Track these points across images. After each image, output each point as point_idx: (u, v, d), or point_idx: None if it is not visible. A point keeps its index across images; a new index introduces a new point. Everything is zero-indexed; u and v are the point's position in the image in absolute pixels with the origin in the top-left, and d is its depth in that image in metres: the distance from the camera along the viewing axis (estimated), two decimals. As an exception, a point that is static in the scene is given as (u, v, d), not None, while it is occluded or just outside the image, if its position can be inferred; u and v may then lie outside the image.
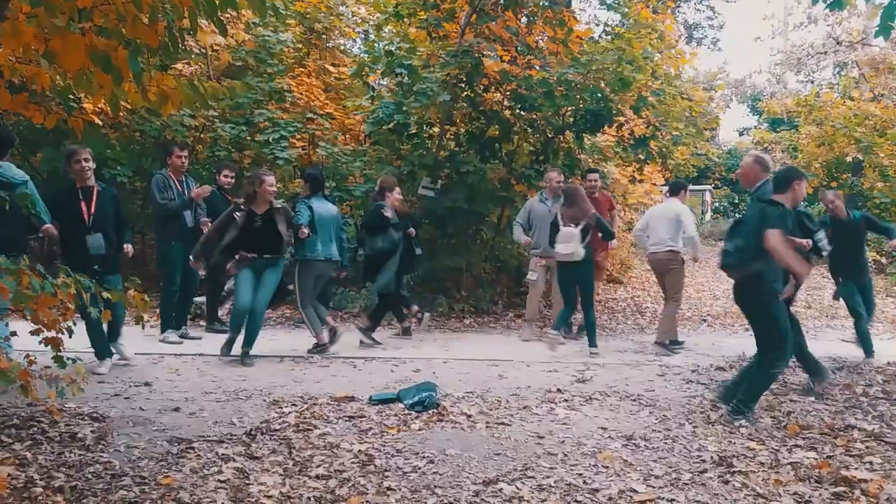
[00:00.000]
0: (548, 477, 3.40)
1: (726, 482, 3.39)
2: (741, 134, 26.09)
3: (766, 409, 4.71)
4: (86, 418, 4.07)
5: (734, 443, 3.98)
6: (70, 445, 3.59)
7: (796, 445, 3.94)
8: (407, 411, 4.47)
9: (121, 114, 7.94)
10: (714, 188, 24.58)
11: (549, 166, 8.40)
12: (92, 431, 3.79)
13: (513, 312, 9.10)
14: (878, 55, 16.95)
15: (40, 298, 3.18)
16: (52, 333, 3.43)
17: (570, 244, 6.39)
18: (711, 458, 3.71)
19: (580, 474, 3.45)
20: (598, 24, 15.05)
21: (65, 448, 3.55)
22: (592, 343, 6.63)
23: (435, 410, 4.47)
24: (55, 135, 7.93)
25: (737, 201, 23.96)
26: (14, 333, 3.56)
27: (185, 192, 6.60)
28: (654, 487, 3.31)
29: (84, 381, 3.91)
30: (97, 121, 7.85)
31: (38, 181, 9.27)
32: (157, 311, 6.77)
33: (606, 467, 3.55)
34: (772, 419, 4.48)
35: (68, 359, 3.57)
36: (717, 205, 25.23)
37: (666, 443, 3.97)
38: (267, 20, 9.54)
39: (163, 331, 6.58)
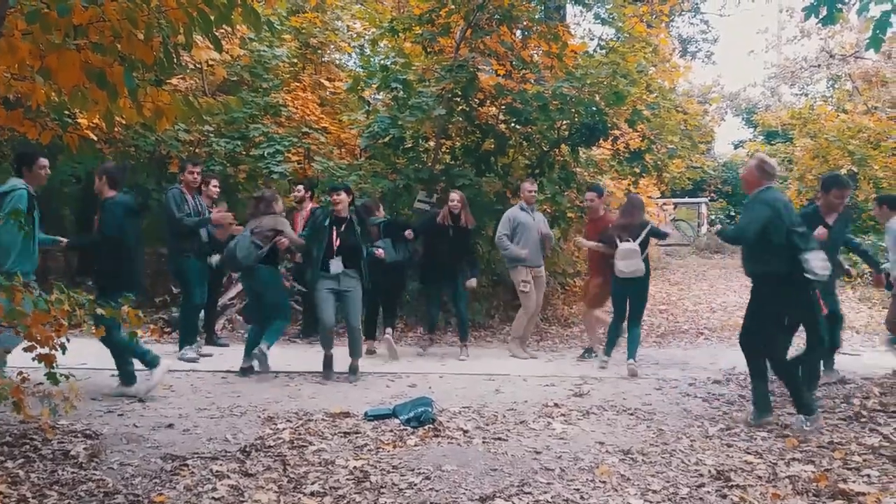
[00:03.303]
0: (545, 492, 3.38)
1: (724, 496, 3.37)
2: (736, 147, 26.22)
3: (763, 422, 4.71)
4: (79, 435, 4.03)
5: (732, 457, 3.96)
6: (63, 463, 3.56)
7: (794, 459, 3.93)
8: (402, 427, 4.45)
9: (115, 129, 7.96)
10: (710, 201, 24.65)
11: (527, 178, 8.36)
12: (85, 449, 3.76)
13: (509, 326, 9.07)
14: (872, 68, 17.08)
15: (34, 315, 3.17)
16: (46, 350, 3.41)
17: (631, 261, 6.29)
18: (709, 472, 3.69)
19: (577, 489, 3.43)
20: (592, 39, 15.19)
21: (57, 466, 3.52)
22: (632, 356, 6.41)
23: (431, 426, 4.45)
24: (50, 150, 7.92)
25: (733, 214, 23.99)
26: (8, 350, 3.54)
27: (198, 207, 6.59)
28: (651, 502, 3.30)
29: (77, 399, 3.90)
30: (92, 136, 7.85)
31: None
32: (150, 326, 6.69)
33: (604, 482, 3.53)
34: (769, 432, 4.47)
35: (61, 375, 3.55)
36: (713, 217, 25.30)
37: (663, 457, 3.95)
38: (262, 35, 9.58)
39: (181, 347, 6.46)
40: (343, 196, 5.98)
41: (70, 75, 3.10)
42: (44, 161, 5.03)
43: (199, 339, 6.87)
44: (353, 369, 5.98)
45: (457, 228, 7.18)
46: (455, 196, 7.21)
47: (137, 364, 5.10)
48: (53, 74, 3.11)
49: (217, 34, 3.50)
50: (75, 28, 3.11)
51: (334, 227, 5.92)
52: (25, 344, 3.39)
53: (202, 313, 7.30)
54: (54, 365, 3.51)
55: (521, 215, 7.18)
